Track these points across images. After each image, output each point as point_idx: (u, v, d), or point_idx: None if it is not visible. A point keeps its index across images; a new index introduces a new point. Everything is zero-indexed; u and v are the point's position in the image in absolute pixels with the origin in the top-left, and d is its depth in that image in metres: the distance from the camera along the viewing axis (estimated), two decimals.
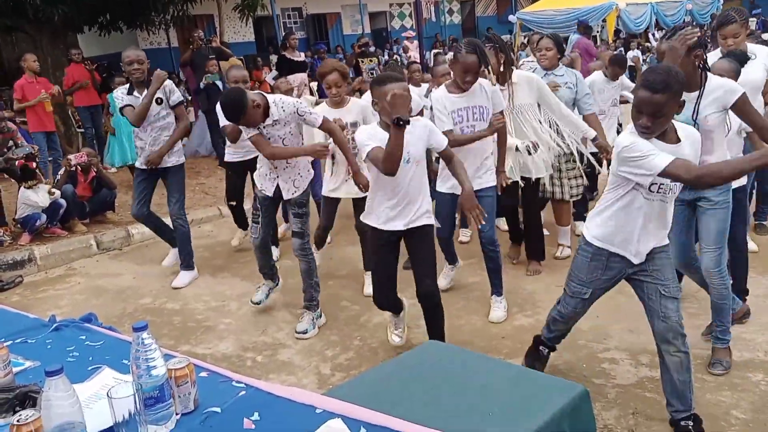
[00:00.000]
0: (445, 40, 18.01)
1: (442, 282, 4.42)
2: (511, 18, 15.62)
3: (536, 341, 3.26)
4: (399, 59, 14.05)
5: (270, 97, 3.71)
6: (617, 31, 14.06)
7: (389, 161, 2.92)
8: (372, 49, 14.47)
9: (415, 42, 13.74)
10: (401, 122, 2.81)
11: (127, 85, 4.74)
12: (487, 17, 22.86)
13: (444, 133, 3.48)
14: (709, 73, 2.98)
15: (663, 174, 2.41)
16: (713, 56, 3.86)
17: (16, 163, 6.02)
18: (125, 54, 4.69)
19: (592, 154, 4.68)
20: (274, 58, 12.92)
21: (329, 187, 4.40)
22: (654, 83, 2.40)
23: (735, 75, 3.50)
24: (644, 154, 2.42)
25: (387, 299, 3.46)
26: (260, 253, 4.23)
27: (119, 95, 4.77)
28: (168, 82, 4.75)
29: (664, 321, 2.67)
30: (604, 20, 14.08)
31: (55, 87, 7.94)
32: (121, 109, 4.77)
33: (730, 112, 3.04)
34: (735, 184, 3.31)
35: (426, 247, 3.28)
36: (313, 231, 4.48)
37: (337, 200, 4.48)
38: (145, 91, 4.62)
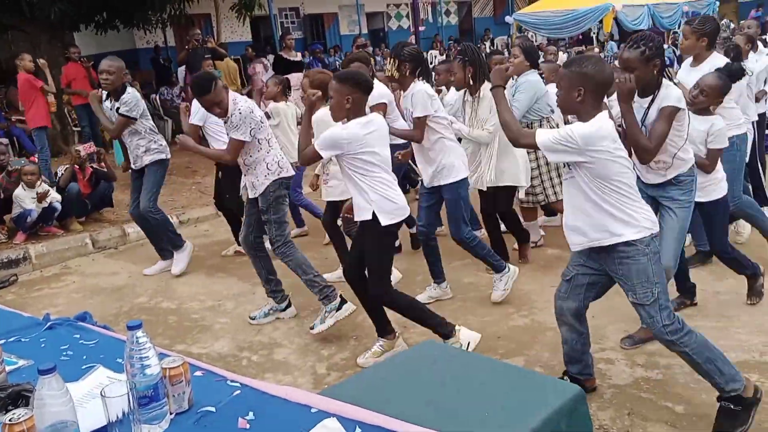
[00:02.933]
0: (449, 44, 17.95)
1: (421, 297, 4.27)
2: (508, 19, 15.59)
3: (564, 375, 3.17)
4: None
5: (232, 97, 3.83)
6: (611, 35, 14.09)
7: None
8: (370, 49, 14.44)
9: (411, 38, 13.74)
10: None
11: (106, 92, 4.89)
12: (483, 18, 22.86)
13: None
14: (665, 81, 3.02)
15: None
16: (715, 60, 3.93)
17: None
18: (100, 63, 4.80)
19: None
20: (271, 57, 12.89)
21: (327, 193, 4.59)
22: (568, 60, 2.78)
23: (720, 88, 3.55)
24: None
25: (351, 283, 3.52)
26: (250, 257, 4.23)
27: (106, 105, 4.93)
28: (128, 98, 4.74)
29: (647, 326, 2.75)
30: (600, 21, 14.09)
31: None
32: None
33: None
34: (707, 197, 3.53)
35: (366, 243, 3.35)
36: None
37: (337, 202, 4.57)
38: (113, 101, 4.79)
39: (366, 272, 3.39)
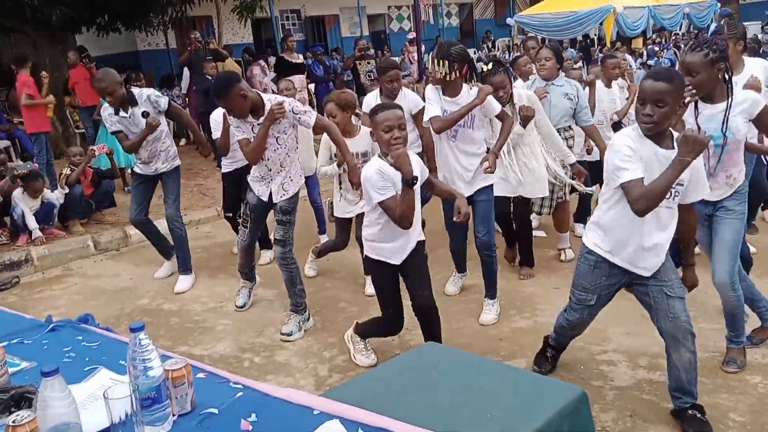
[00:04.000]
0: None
1: (451, 288, 4.45)
2: (509, 21, 15.62)
3: (545, 343, 3.31)
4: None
5: (266, 97, 3.72)
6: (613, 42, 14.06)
7: (405, 220, 2.98)
8: (372, 51, 14.47)
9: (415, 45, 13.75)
10: (411, 183, 2.86)
11: None
12: (485, 20, 22.86)
13: (431, 119, 3.64)
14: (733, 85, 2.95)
15: (622, 186, 2.50)
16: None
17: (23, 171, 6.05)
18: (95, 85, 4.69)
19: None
20: (272, 59, 12.91)
21: (342, 209, 4.44)
22: (658, 73, 2.52)
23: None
24: (620, 160, 2.49)
25: (401, 323, 3.39)
26: (245, 254, 4.30)
27: (107, 116, 4.65)
28: (150, 93, 4.65)
29: (672, 321, 2.69)
30: (601, 24, 14.10)
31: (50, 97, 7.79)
32: (113, 132, 4.77)
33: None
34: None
35: (420, 262, 3.27)
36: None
37: (351, 219, 4.49)
38: (130, 109, 4.54)
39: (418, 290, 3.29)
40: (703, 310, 3.85)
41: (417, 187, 2.97)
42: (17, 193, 5.91)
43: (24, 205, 5.84)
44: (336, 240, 4.66)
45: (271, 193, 3.90)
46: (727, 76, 2.89)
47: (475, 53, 16.10)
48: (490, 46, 19.41)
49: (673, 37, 16.69)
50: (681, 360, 2.70)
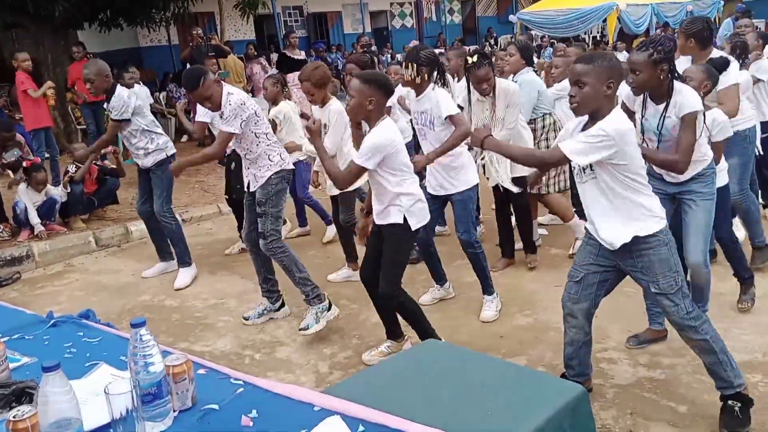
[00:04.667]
0: (454, 43, 17.89)
1: (424, 298, 4.28)
2: (512, 18, 15.59)
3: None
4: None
5: (227, 89, 3.81)
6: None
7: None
8: (374, 48, 14.48)
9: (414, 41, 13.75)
10: None
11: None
12: (487, 17, 22.83)
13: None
14: (677, 85, 3.00)
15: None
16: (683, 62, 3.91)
17: (24, 163, 6.05)
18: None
19: None
20: (274, 56, 12.90)
21: (331, 187, 4.46)
22: (582, 57, 2.67)
23: (708, 80, 3.50)
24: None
25: (366, 283, 3.48)
26: (251, 254, 4.20)
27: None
28: (116, 103, 4.64)
29: (666, 315, 2.75)
30: (604, 21, 14.07)
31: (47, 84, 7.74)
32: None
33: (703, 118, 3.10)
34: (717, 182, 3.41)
35: (387, 248, 3.30)
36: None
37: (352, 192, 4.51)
38: (105, 104, 4.74)
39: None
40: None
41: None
42: (21, 188, 5.92)
43: (27, 199, 5.85)
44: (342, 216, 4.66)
45: (249, 183, 3.99)
46: (672, 76, 2.97)
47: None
48: (492, 43, 19.36)
49: (675, 35, 16.66)
50: (693, 348, 2.78)
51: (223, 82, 3.97)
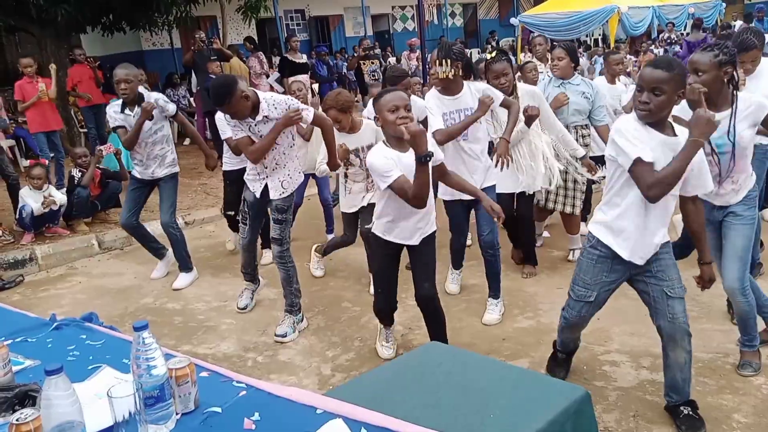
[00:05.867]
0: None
1: (454, 288, 4.45)
2: (513, 21, 15.59)
3: (554, 346, 3.29)
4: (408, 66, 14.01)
5: (262, 95, 3.71)
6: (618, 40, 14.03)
7: (418, 198, 2.91)
8: (378, 51, 14.48)
9: (417, 51, 13.76)
10: (425, 159, 2.78)
11: (120, 102, 4.67)
12: (489, 20, 22.84)
13: (433, 133, 3.56)
14: (741, 94, 2.91)
15: (632, 167, 2.45)
16: None
17: (28, 162, 6.07)
18: (115, 72, 4.66)
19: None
20: (276, 60, 12.92)
21: (348, 204, 4.39)
22: (657, 62, 2.51)
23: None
24: (631, 138, 2.46)
25: (388, 305, 3.46)
26: (246, 253, 4.28)
27: (112, 113, 4.69)
28: (159, 97, 4.68)
29: (671, 322, 2.70)
30: (605, 23, 14.08)
31: (41, 84, 7.66)
32: (113, 128, 4.81)
33: None
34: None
35: (429, 252, 3.29)
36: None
37: (357, 214, 4.44)
38: (137, 109, 4.57)
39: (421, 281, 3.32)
40: (708, 310, 3.85)
41: (431, 165, 2.93)
42: (24, 191, 5.93)
43: (32, 201, 5.85)
44: (344, 236, 4.67)
45: (267, 188, 3.90)
46: (734, 81, 2.86)
47: (479, 54, 16.06)
48: (494, 45, 19.37)
49: (679, 35, 16.64)
50: (677, 360, 2.73)
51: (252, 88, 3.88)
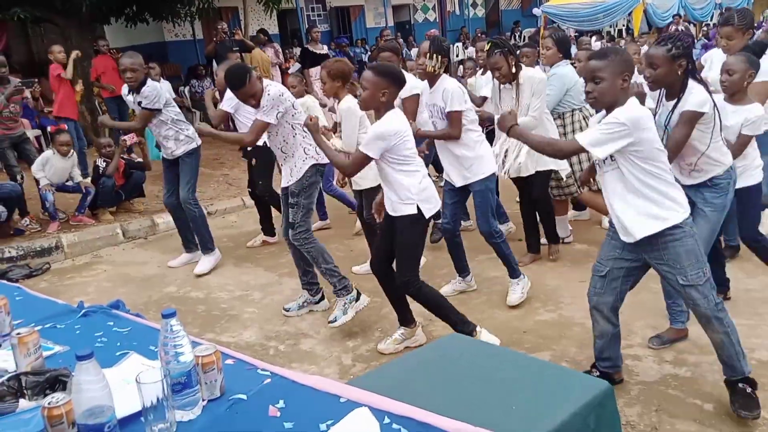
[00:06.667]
0: (475, 36, 17.76)
1: (446, 289, 4.32)
2: (536, 11, 15.44)
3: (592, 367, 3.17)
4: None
5: (266, 83, 3.83)
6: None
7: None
8: (401, 41, 14.43)
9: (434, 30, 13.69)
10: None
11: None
12: (511, 10, 22.64)
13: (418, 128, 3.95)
14: (690, 83, 2.92)
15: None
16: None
17: (49, 128, 6.19)
18: (121, 61, 4.81)
19: None
20: (297, 51, 12.94)
21: (355, 182, 4.49)
22: (594, 53, 2.73)
23: (748, 68, 3.43)
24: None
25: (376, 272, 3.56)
26: (290, 248, 4.17)
27: (125, 96, 4.97)
28: (149, 93, 4.73)
29: (693, 308, 2.73)
30: (630, 14, 13.88)
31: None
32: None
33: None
34: (740, 183, 3.32)
35: (398, 236, 3.36)
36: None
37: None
38: (135, 95, 4.76)
39: (394, 263, 3.41)
40: (733, 303, 3.80)
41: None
42: (47, 154, 6.08)
43: (56, 161, 6.01)
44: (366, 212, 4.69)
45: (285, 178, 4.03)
46: (692, 72, 2.93)
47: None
48: (517, 37, 19.20)
49: (704, 29, 16.35)
50: (713, 340, 2.76)
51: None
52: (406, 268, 3.35)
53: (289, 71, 11.28)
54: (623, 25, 17.19)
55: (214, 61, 10.09)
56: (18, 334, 1.86)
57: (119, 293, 4.66)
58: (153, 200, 6.80)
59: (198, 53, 13.91)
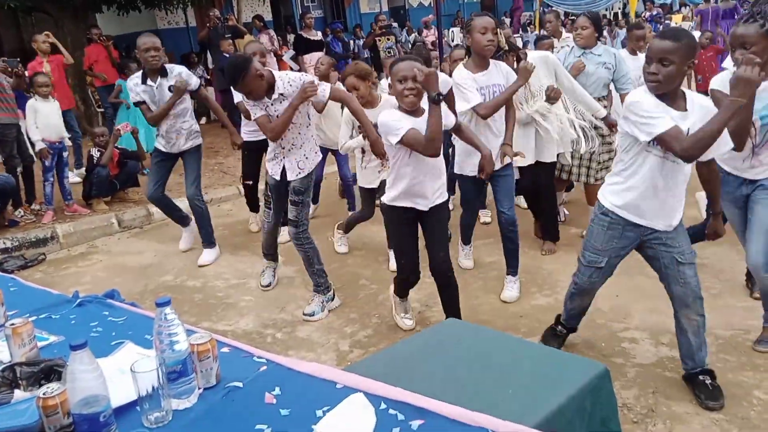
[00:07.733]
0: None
1: (468, 263, 4.48)
2: None
3: (556, 320, 3.31)
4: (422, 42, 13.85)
5: (277, 74, 3.69)
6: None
7: (433, 141, 2.91)
8: (395, 25, 14.35)
9: (432, 28, 13.61)
10: (438, 98, 2.82)
11: (140, 73, 4.67)
12: None
13: (476, 107, 3.62)
14: None
15: (658, 139, 2.43)
16: None
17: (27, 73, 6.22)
18: (141, 41, 4.63)
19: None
20: (291, 37, 12.85)
21: (366, 179, 4.46)
22: (665, 32, 2.53)
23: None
24: (646, 115, 2.44)
25: (415, 274, 3.47)
26: (269, 236, 4.31)
27: (133, 86, 4.69)
28: (182, 70, 4.70)
29: (683, 286, 2.72)
30: None
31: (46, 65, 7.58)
32: (135, 103, 4.80)
33: None
34: None
35: (442, 221, 3.35)
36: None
37: (375, 189, 4.48)
38: (159, 79, 4.61)
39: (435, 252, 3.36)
40: (731, 286, 3.82)
41: (443, 108, 2.93)
42: (32, 102, 6.05)
43: (42, 107, 6.00)
44: (361, 211, 4.71)
45: (284, 170, 3.86)
46: None
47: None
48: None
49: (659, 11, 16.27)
50: (690, 323, 2.75)
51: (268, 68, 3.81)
52: (447, 251, 3.38)
53: (282, 58, 11.22)
54: (618, 8, 17.09)
55: (207, 49, 10.02)
56: (12, 324, 1.85)
57: (115, 283, 4.65)
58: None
59: (191, 41, 13.82)
